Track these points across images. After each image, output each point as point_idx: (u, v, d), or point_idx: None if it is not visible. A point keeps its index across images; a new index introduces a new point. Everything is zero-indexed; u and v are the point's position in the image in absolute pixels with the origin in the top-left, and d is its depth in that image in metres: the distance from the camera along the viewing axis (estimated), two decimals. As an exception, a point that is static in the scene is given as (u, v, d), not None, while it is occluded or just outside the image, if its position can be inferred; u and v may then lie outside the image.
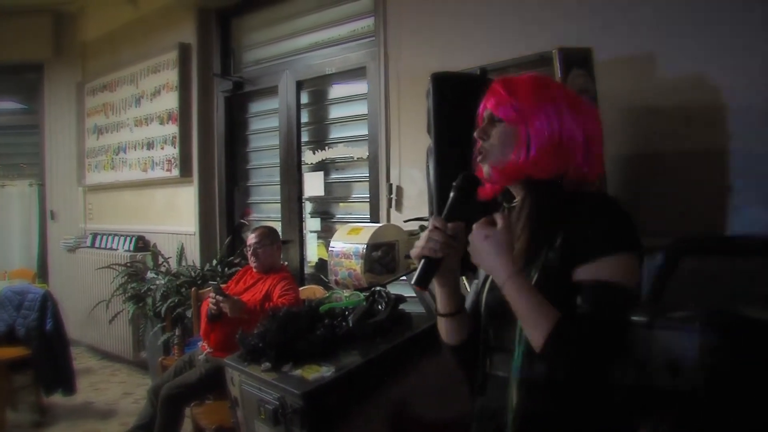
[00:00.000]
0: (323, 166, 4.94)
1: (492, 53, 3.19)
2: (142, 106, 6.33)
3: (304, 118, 5.13)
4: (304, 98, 5.14)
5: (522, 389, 1.44)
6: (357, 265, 3.39)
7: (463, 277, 2.65)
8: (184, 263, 5.74)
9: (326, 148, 4.90)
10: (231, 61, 5.82)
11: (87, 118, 7.21)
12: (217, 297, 3.69)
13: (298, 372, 2.52)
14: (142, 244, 6.34)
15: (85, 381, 5.68)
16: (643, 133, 2.99)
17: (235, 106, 5.81)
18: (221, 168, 5.80)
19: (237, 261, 5.32)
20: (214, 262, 5.43)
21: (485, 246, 1.42)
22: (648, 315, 2.34)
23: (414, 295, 2.90)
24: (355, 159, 4.68)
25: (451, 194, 1.55)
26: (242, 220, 5.76)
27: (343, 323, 2.80)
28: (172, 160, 5.91)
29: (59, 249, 7.31)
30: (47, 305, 4.83)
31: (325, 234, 4.90)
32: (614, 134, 2.77)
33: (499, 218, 1.45)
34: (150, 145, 6.22)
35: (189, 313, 4.86)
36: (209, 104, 5.84)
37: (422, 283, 1.50)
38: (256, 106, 5.72)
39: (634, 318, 2.34)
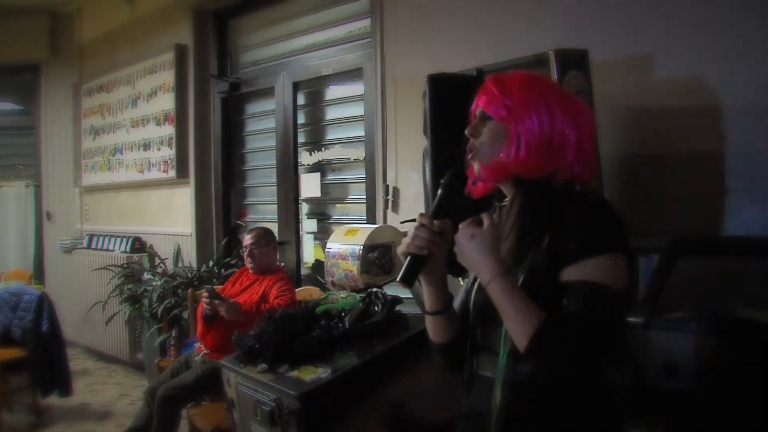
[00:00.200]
0: (320, 168, 4.93)
1: (488, 54, 3.19)
2: (139, 107, 6.32)
3: (301, 119, 5.13)
4: (301, 99, 5.14)
5: (506, 390, 1.44)
6: (353, 267, 3.40)
7: (460, 279, 2.66)
8: (180, 264, 5.73)
9: (323, 149, 4.89)
10: (228, 62, 5.82)
11: (83, 119, 7.20)
12: (213, 300, 3.69)
13: (294, 373, 2.53)
14: (138, 245, 6.33)
15: (82, 382, 5.66)
16: (639, 134, 2.99)
17: (232, 108, 5.80)
18: (218, 169, 5.79)
19: (234, 262, 5.31)
20: (211, 263, 5.42)
21: (471, 246, 1.42)
22: (645, 315, 2.34)
23: (410, 296, 2.90)
24: (352, 160, 4.67)
25: (439, 191, 1.55)
26: (239, 221, 5.75)
27: (340, 324, 2.80)
28: (169, 161, 5.91)
29: (55, 250, 7.30)
30: (43, 306, 4.82)
31: (322, 235, 4.89)
32: (611, 135, 2.78)
33: (485, 218, 1.45)
34: (146, 146, 6.22)
35: (186, 315, 4.86)
36: (206, 105, 5.83)
37: (407, 281, 1.49)
38: (253, 108, 5.72)
39: (631, 319, 2.35)
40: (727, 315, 2.24)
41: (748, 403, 2.10)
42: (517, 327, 1.34)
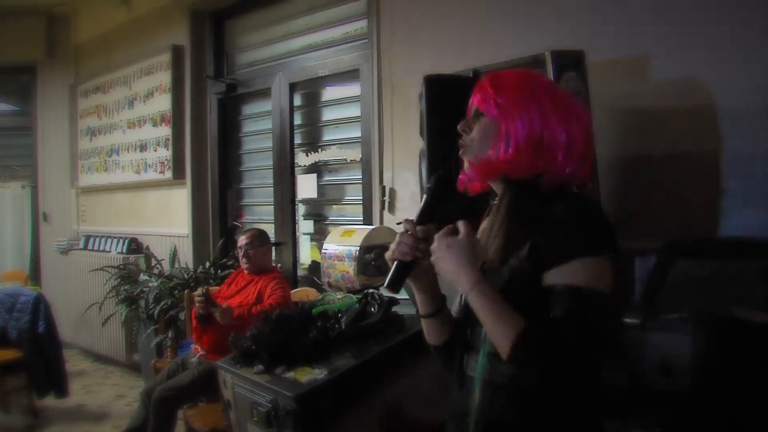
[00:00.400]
0: (316, 168, 4.94)
1: (485, 55, 3.19)
2: (135, 108, 6.32)
3: (297, 120, 5.13)
4: (297, 100, 5.14)
5: (484, 390, 1.45)
6: (350, 268, 3.39)
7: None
8: (177, 265, 5.73)
9: (319, 150, 4.90)
10: (224, 63, 5.82)
11: (80, 119, 7.19)
12: (206, 303, 3.72)
13: (290, 374, 2.52)
14: (135, 246, 6.32)
15: (78, 383, 5.66)
16: (635, 135, 3.00)
17: (229, 108, 5.80)
18: (214, 170, 5.79)
19: (230, 263, 5.31)
20: (207, 264, 5.42)
21: (448, 256, 1.41)
22: (642, 316, 2.35)
23: (407, 297, 2.90)
24: (348, 161, 4.68)
25: (424, 197, 1.55)
26: (235, 222, 5.75)
27: (336, 325, 2.80)
28: (165, 162, 5.90)
29: (52, 251, 7.28)
30: (40, 307, 4.81)
31: (318, 236, 4.89)
32: (607, 136, 2.78)
33: (462, 226, 1.44)
34: (143, 147, 6.21)
35: (182, 316, 4.85)
36: (202, 106, 5.83)
37: (393, 287, 1.49)
38: (249, 108, 5.72)
39: (628, 320, 2.36)
40: (723, 316, 2.24)
41: (745, 403, 2.11)
42: (498, 335, 1.34)
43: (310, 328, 2.76)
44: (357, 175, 4.54)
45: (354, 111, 4.59)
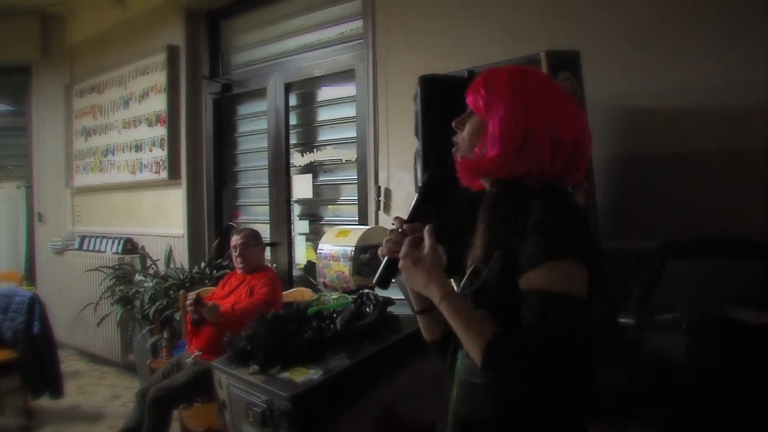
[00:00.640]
0: (312, 169, 4.93)
1: (480, 55, 3.20)
2: (131, 108, 6.31)
3: (293, 120, 5.13)
4: (293, 100, 5.14)
5: (462, 389, 1.46)
6: (345, 268, 3.40)
7: (451, 280, 2.66)
8: (172, 266, 5.72)
9: (315, 150, 4.89)
10: (219, 63, 5.82)
11: (75, 119, 7.18)
12: (196, 305, 3.78)
13: (286, 374, 2.53)
14: (130, 246, 6.32)
15: (73, 384, 5.65)
16: (630, 135, 3.00)
17: (224, 109, 5.79)
18: (209, 170, 5.78)
19: (225, 263, 5.30)
20: (203, 264, 5.41)
21: (416, 271, 1.43)
22: (636, 317, 2.35)
23: (402, 297, 2.91)
24: (344, 161, 4.68)
25: (416, 195, 1.56)
26: (231, 223, 5.74)
27: (331, 326, 2.80)
28: (161, 163, 5.90)
29: (47, 251, 7.27)
30: (35, 308, 4.80)
31: (314, 236, 4.89)
32: (602, 136, 2.78)
33: (426, 238, 1.45)
34: (138, 147, 6.20)
35: (177, 316, 4.84)
36: (198, 106, 5.82)
37: (382, 283, 1.52)
38: (245, 109, 5.71)
39: (623, 320, 2.37)
40: (718, 316, 2.24)
41: (740, 402, 2.11)
42: (470, 343, 1.34)
43: (305, 328, 2.76)
44: (352, 175, 4.54)
45: (349, 111, 4.58)
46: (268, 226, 5.22)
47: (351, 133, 4.54)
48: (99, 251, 6.52)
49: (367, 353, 2.66)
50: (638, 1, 3.00)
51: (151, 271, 5.68)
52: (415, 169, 2.91)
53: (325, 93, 5.00)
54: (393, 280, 1.53)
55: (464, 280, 1.53)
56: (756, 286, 2.40)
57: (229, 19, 5.77)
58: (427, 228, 1.46)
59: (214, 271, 5.26)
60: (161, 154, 5.89)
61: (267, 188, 5.25)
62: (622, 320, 2.37)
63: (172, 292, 5.12)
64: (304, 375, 2.48)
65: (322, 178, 4.92)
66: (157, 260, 5.82)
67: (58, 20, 7.29)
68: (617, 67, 2.99)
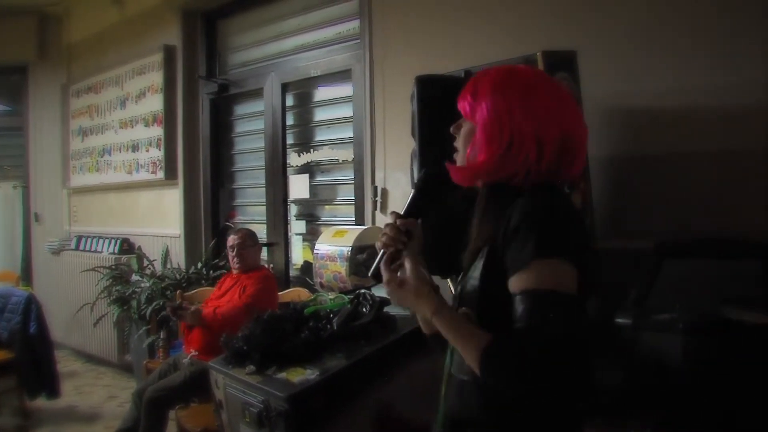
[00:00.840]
0: (308, 169, 4.94)
1: (478, 56, 3.20)
2: (127, 108, 6.30)
3: (290, 120, 5.13)
4: (290, 101, 5.14)
5: (451, 385, 1.47)
6: (342, 268, 3.39)
7: (448, 280, 2.67)
8: (169, 266, 5.71)
9: (311, 150, 4.90)
10: (216, 63, 5.81)
11: (72, 120, 7.17)
12: (176, 312, 3.88)
13: (282, 375, 2.53)
14: (126, 246, 6.31)
15: (70, 384, 5.64)
16: (627, 135, 3.01)
17: (221, 109, 5.79)
18: (206, 170, 5.77)
19: (222, 263, 5.30)
20: (199, 264, 5.41)
21: (404, 293, 1.46)
22: (633, 317, 2.35)
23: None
24: (341, 161, 4.68)
25: (412, 191, 1.58)
26: (227, 223, 5.74)
27: (328, 326, 2.80)
28: (157, 163, 5.89)
29: (43, 251, 7.26)
30: (31, 308, 4.79)
31: (311, 236, 4.89)
32: (599, 136, 2.79)
33: (406, 261, 1.47)
34: (135, 148, 6.19)
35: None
36: (194, 106, 5.81)
37: (376, 276, 1.54)
38: (242, 109, 5.71)
39: (620, 320, 2.37)
40: (714, 316, 2.25)
41: (736, 402, 2.11)
42: (466, 354, 1.33)
43: (302, 328, 2.77)
44: (349, 175, 4.54)
45: (346, 111, 4.59)
46: (264, 226, 5.22)
47: (348, 133, 4.54)
48: (96, 251, 6.51)
49: (364, 353, 2.66)
50: (637, 0, 3.00)
51: (147, 272, 5.67)
52: (412, 170, 2.91)
53: (321, 93, 4.99)
54: None
55: (460, 278, 1.53)
56: (753, 286, 2.40)
57: (226, 19, 5.76)
58: (405, 253, 1.49)
59: (211, 272, 5.26)
60: (158, 154, 5.88)
61: (264, 188, 5.25)
62: (620, 320, 2.37)
63: (168, 292, 5.11)
64: (300, 375, 2.48)
65: (319, 178, 4.92)
66: (153, 260, 5.81)
67: (55, 20, 7.28)
68: (616, 67, 2.99)
